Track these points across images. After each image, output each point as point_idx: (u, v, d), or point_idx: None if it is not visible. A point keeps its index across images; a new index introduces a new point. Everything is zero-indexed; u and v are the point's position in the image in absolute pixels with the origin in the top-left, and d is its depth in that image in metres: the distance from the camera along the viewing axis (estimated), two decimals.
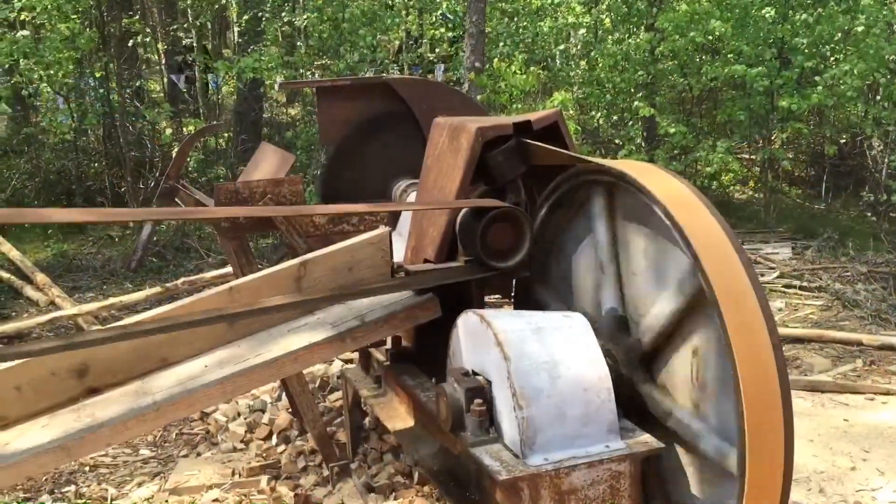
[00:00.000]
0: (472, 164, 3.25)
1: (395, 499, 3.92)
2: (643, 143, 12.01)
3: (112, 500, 4.17)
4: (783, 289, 7.94)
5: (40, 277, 8.67)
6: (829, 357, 6.11)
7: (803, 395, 5.25)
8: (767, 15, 10.40)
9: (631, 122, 12.14)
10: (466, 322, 2.87)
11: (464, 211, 3.21)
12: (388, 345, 3.76)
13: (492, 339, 2.65)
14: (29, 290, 8.54)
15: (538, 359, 2.59)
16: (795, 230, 10.47)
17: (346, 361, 5.41)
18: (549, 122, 3.38)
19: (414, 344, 3.64)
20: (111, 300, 7.60)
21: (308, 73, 14.94)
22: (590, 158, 2.97)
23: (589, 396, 2.56)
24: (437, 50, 16.93)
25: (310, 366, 3.57)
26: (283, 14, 14.09)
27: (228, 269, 7.96)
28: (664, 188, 2.60)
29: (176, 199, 4.26)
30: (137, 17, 13.60)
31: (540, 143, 3.18)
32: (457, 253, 3.30)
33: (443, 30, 16.03)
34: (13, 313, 8.08)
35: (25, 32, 11.11)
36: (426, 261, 3.40)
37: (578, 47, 13.93)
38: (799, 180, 13.16)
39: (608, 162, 2.89)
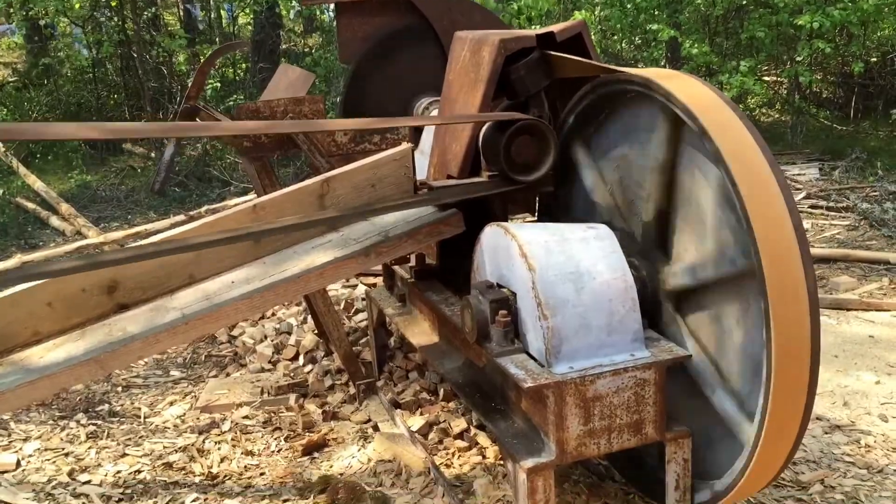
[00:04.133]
0: (494, 78, 3.20)
1: (421, 414, 3.98)
2: (666, 65, 11.76)
3: (145, 418, 4.28)
4: (809, 209, 7.85)
5: (65, 207, 8.76)
6: (856, 276, 6.07)
7: (829, 314, 5.23)
8: None
9: (654, 44, 11.86)
10: (491, 235, 2.87)
11: (487, 125, 3.18)
12: (413, 262, 3.78)
13: (516, 250, 2.65)
14: (55, 221, 8.64)
15: (563, 269, 2.58)
16: (823, 151, 10.31)
17: (370, 286, 5.44)
18: (572, 34, 3.30)
19: (438, 261, 3.65)
20: (136, 228, 7.68)
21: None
22: (616, 68, 2.91)
23: (614, 306, 2.56)
24: None
25: (335, 281, 3.60)
26: None
27: (251, 196, 7.99)
28: (695, 98, 2.54)
29: (197, 120, 4.24)
30: None
31: (564, 55, 3.11)
32: (480, 168, 3.27)
33: None
34: (40, 242, 8.19)
35: None
36: (449, 177, 3.38)
37: None
38: (827, 102, 12.87)
39: (635, 71, 2.82)
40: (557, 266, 2.59)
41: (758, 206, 2.30)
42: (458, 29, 3.64)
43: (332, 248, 3.07)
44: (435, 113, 3.95)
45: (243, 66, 14.60)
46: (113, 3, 11.66)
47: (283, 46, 16.40)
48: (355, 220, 3.09)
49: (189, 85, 11.23)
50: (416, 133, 3.94)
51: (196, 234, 2.91)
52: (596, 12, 12.69)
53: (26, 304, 2.71)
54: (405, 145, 3.31)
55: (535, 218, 3.57)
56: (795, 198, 7.99)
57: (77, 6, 12.09)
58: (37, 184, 9.67)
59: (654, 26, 10.70)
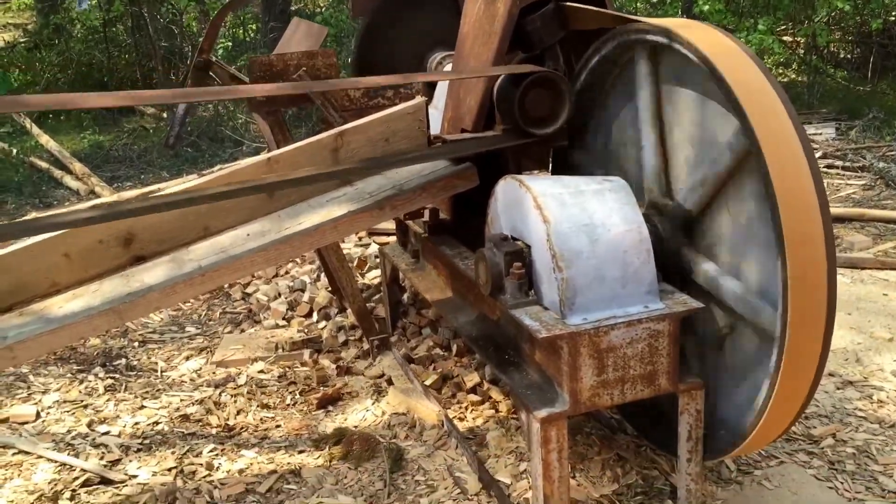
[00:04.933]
0: (508, 30, 3.16)
1: (435, 369, 4.02)
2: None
3: (162, 372, 4.33)
4: (826, 169, 7.78)
5: (78, 167, 8.79)
6: (871, 235, 6.04)
7: (843, 272, 5.22)
8: None
9: (669, 2, 11.67)
10: (505, 188, 2.86)
11: (501, 78, 3.15)
12: (426, 218, 3.78)
13: (531, 202, 2.64)
14: (68, 180, 8.67)
15: (577, 221, 2.58)
16: (840, 111, 10.18)
17: (383, 244, 5.45)
18: None
19: (452, 216, 3.65)
20: (149, 188, 7.70)
21: None
22: (631, 17, 2.87)
23: (628, 258, 2.56)
24: None
25: (350, 234, 3.61)
26: None
27: (264, 156, 7.98)
28: (708, 41, 2.52)
29: (210, 73, 4.23)
30: None
31: (580, 6, 3.07)
32: (495, 122, 3.26)
33: None
34: (55, 201, 8.23)
35: None
36: (464, 131, 3.36)
37: None
38: (844, 62, 12.69)
39: (651, 20, 2.79)
40: (572, 218, 2.58)
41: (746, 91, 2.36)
42: None
43: (347, 202, 3.08)
44: (449, 68, 3.92)
45: (254, 26, 14.52)
46: None
47: (294, 7, 16.26)
48: (370, 173, 3.09)
49: (201, 41, 11.15)
50: (430, 88, 3.92)
51: (211, 185, 2.91)
52: None
53: (44, 256, 2.73)
54: (419, 99, 3.30)
55: (550, 173, 3.55)
56: None
57: None
58: (50, 143, 9.70)
59: None
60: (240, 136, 9.93)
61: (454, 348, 4.18)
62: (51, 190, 8.60)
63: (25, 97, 3.64)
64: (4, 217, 7.69)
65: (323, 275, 5.07)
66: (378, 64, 4.07)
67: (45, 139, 9.82)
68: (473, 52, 3.35)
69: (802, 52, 12.44)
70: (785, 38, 12.54)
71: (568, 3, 3.12)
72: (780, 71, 12.83)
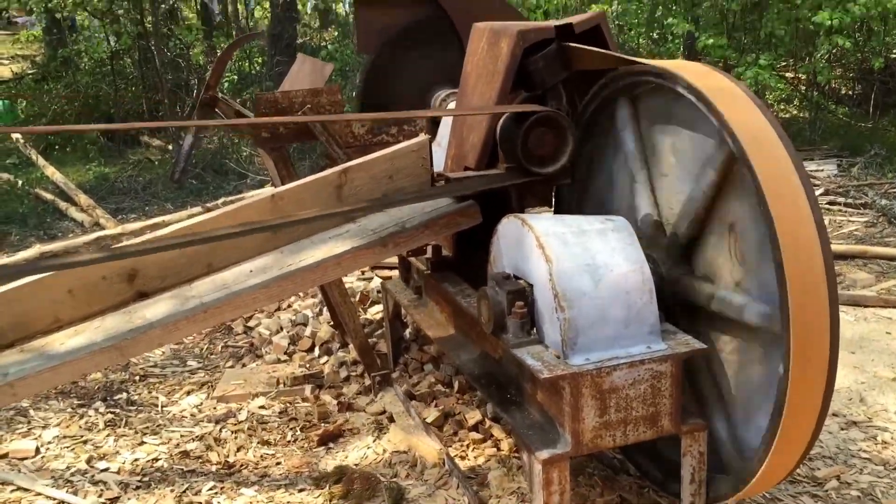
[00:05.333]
0: (512, 70, 3.19)
1: (436, 406, 4.00)
2: (684, 59, 11.69)
3: (163, 407, 4.32)
4: (827, 206, 7.80)
5: (83, 199, 8.83)
6: (873, 273, 6.03)
7: (846, 310, 5.20)
8: None
9: (671, 38, 11.79)
10: (507, 226, 2.87)
11: (504, 117, 3.17)
12: (429, 254, 3.79)
13: (533, 241, 2.65)
14: (73, 212, 8.71)
15: (580, 261, 2.58)
16: (841, 147, 10.22)
17: (386, 279, 5.46)
18: (591, 25, 3.29)
19: (454, 253, 3.66)
20: (154, 220, 7.73)
21: None
22: (633, 59, 2.90)
23: (631, 298, 2.56)
24: None
25: (352, 270, 3.62)
26: None
27: (267, 189, 8.02)
28: (687, 70, 2.61)
29: (216, 110, 4.26)
30: None
31: (583, 46, 3.10)
32: (498, 160, 3.27)
33: None
34: (59, 233, 8.26)
35: None
36: (467, 168, 3.38)
37: None
38: (846, 98, 12.77)
39: (648, 62, 2.82)
40: (574, 258, 2.59)
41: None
42: (477, 20, 3.64)
43: (350, 238, 3.09)
44: (453, 105, 3.95)
45: (259, 59, 14.67)
46: None
47: (300, 40, 16.45)
48: (373, 211, 3.10)
49: (207, 76, 11.26)
50: (434, 125, 3.94)
51: (216, 224, 2.93)
52: (613, 6, 12.63)
53: (48, 292, 2.74)
54: (422, 137, 3.32)
55: (553, 211, 3.57)
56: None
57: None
58: (55, 175, 9.75)
59: (671, 20, 10.62)
60: (244, 168, 9.98)
61: (456, 385, 4.17)
62: (55, 221, 8.62)
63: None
64: (8, 249, 7.71)
65: (325, 308, 5.06)
66: (383, 100, 4.11)
67: (51, 171, 9.88)
68: (477, 91, 3.37)
69: (804, 88, 12.52)
70: (787, 73, 12.63)
71: (570, 45, 3.15)
72: (782, 107, 12.91)
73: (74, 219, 8.61)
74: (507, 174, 3.15)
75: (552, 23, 3.25)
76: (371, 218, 3.20)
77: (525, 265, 2.73)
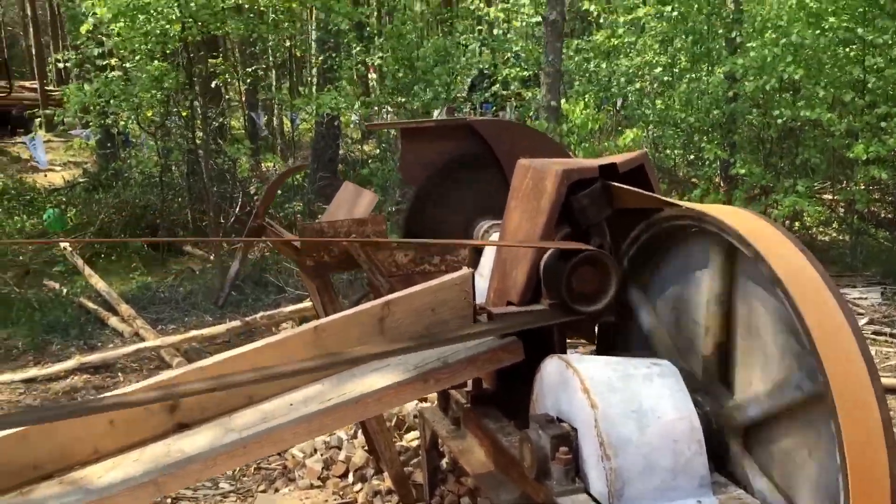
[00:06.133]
0: (556, 207, 3.23)
1: None
2: (721, 182, 11.78)
3: None
4: (873, 336, 7.63)
5: (124, 308, 8.96)
6: None
7: None
8: (843, 56, 10.05)
9: (707, 161, 11.92)
10: (551, 367, 2.84)
11: (548, 253, 3.19)
12: (468, 386, 3.75)
13: (578, 385, 2.61)
14: (114, 321, 8.83)
15: (626, 407, 2.53)
16: (885, 273, 10.07)
17: (422, 400, 5.40)
18: (634, 165, 3.35)
19: (494, 386, 3.61)
20: (192, 332, 7.80)
21: (383, 110, 15.23)
22: (678, 202, 2.92)
23: (679, 448, 2.49)
24: (510, 88, 17.04)
25: (393, 407, 3.59)
26: (358, 54, 14.42)
27: (306, 304, 8.09)
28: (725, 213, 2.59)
29: (263, 237, 4.36)
30: (222, 58, 14.09)
31: (626, 187, 3.14)
32: (540, 296, 3.27)
33: (516, 69, 16.09)
34: (99, 343, 8.35)
35: (117, 73, 11.63)
36: (509, 303, 3.38)
37: (654, 85, 13.81)
38: (886, 222, 12.69)
39: (701, 206, 2.84)
40: (621, 403, 2.54)
41: (823, 332, 2.27)
42: (519, 153, 3.72)
43: (391, 372, 3.07)
44: (496, 237, 3.99)
45: (303, 172, 15.07)
46: (184, 114, 12.21)
47: (342, 152, 16.92)
48: (417, 350, 3.09)
49: (251, 191, 11.54)
50: (476, 255, 3.98)
51: (260, 355, 2.95)
52: (648, 130, 12.88)
53: (91, 423, 2.73)
54: (465, 270, 3.34)
55: (594, 346, 3.53)
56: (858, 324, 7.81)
57: (149, 114, 12.70)
58: (99, 284, 9.94)
59: (707, 146, 10.77)
60: (283, 281, 10.10)
61: None
62: (96, 331, 8.73)
63: None
64: (49, 358, 7.80)
65: (360, 431, 5.00)
66: (426, 230, 4.17)
67: (96, 279, 10.08)
68: (522, 227, 3.41)
69: (842, 210, 12.49)
70: (825, 195, 12.64)
71: (615, 184, 3.19)
72: (821, 229, 12.86)
73: (115, 328, 8.72)
74: (551, 312, 3.14)
75: (596, 162, 3.31)
76: None
77: (569, 408, 2.68)
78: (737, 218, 2.65)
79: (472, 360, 3.12)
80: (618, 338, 3.44)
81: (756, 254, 2.45)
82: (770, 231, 2.57)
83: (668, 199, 3.00)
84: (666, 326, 3.14)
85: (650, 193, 3.10)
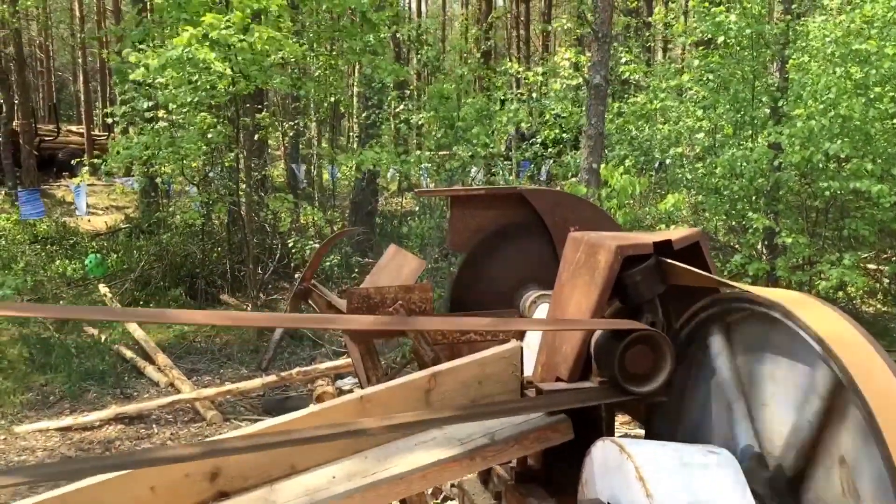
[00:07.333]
0: (609, 283, 3.17)
1: None
2: (764, 251, 11.62)
3: None
4: None
5: (161, 358, 9.00)
6: None
7: None
8: (892, 127, 9.96)
9: (751, 231, 11.79)
10: (603, 451, 2.75)
11: (600, 330, 3.13)
12: (513, 462, 3.65)
13: (632, 472, 2.52)
14: (150, 371, 8.86)
15: (683, 498, 2.44)
16: None
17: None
18: (690, 243, 3.29)
19: (540, 464, 3.52)
20: (228, 385, 7.79)
21: (422, 167, 15.35)
22: (732, 283, 2.85)
23: None
24: (549, 149, 17.11)
25: (437, 484, 3.50)
26: (400, 112, 14.62)
27: (342, 360, 8.06)
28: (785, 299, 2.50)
29: (309, 301, 4.35)
30: (266, 112, 14.35)
31: (681, 264, 3.08)
32: (590, 372, 3.20)
33: (556, 130, 16.15)
34: (135, 392, 8.37)
35: (163, 124, 11.88)
36: (558, 379, 3.30)
37: (696, 150, 13.76)
38: None
39: (757, 290, 2.76)
40: (676, 494, 2.44)
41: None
42: (569, 223, 3.69)
43: (436, 447, 3.00)
44: (543, 308, 3.94)
45: (340, 224, 15.19)
46: (227, 165, 12.41)
47: (380, 207, 17.04)
48: (463, 421, 3.02)
49: (289, 242, 11.57)
50: None
51: (304, 425, 2.89)
52: (690, 195, 12.79)
53: (131, 489, 2.70)
54: (514, 343, 3.29)
55: (644, 429, 3.43)
56: None
57: (194, 165, 12.93)
58: (137, 332, 10.02)
59: (751, 215, 10.64)
60: (319, 336, 10.10)
61: None
62: (133, 380, 8.77)
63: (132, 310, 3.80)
64: (85, 406, 7.82)
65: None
66: (473, 296, 4.13)
67: (133, 327, 10.16)
68: (573, 301, 3.35)
69: (887, 281, 12.25)
70: (869, 265, 12.40)
71: (669, 261, 3.13)
72: (866, 300, 12.60)
73: (151, 378, 8.74)
74: (602, 391, 3.06)
75: (651, 238, 3.25)
76: (458, 424, 3.13)
77: (622, 495, 2.59)
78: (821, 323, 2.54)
79: (520, 438, 3.04)
80: (665, 420, 3.34)
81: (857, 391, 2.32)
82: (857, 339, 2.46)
83: (723, 280, 2.93)
84: (710, 409, 3.03)
85: (705, 273, 3.03)
